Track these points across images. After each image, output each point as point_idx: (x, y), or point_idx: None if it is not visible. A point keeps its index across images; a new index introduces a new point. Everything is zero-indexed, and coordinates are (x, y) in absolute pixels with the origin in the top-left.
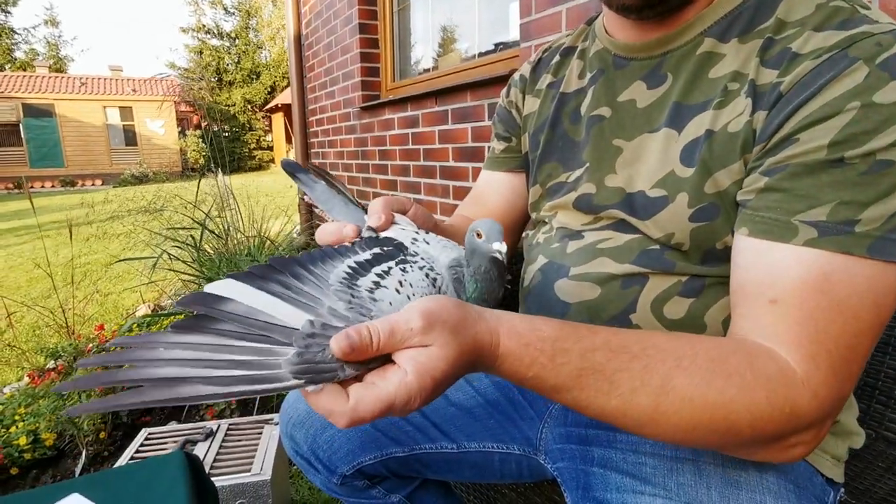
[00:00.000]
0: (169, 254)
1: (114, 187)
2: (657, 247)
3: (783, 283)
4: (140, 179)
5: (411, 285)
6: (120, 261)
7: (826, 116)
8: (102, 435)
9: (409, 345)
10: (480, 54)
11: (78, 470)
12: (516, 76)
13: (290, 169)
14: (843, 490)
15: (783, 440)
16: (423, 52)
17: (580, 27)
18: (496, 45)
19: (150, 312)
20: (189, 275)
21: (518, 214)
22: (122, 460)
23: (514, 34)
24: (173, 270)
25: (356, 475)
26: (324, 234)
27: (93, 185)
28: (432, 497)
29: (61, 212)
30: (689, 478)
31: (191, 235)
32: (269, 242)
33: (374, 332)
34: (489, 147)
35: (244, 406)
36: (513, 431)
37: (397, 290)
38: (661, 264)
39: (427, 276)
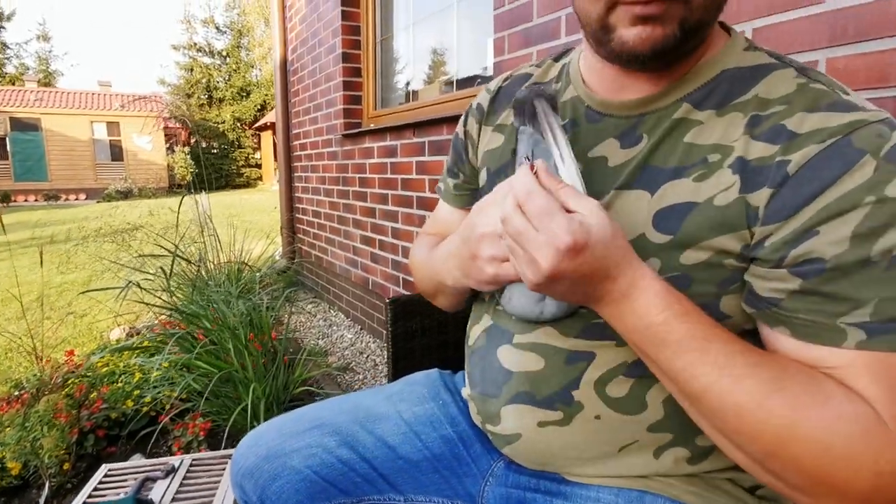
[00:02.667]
0: (138, 284)
1: (97, 202)
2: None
3: (842, 362)
4: (125, 195)
5: None
6: (85, 292)
7: (843, 210)
8: (66, 466)
9: (578, 208)
10: (458, 87)
11: (42, 501)
12: (474, 104)
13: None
14: None
15: (862, 497)
16: (404, 83)
17: (547, 61)
18: (473, 79)
19: (124, 336)
20: (159, 306)
21: None
22: (80, 498)
23: (491, 69)
24: (143, 302)
25: None
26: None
27: (76, 199)
28: None
29: (42, 227)
30: None
31: (160, 268)
32: (248, 268)
33: (565, 184)
34: (443, 177)
35: (212, 438)
36: (457, 487)
37: None
38: (607, 336)
39: None
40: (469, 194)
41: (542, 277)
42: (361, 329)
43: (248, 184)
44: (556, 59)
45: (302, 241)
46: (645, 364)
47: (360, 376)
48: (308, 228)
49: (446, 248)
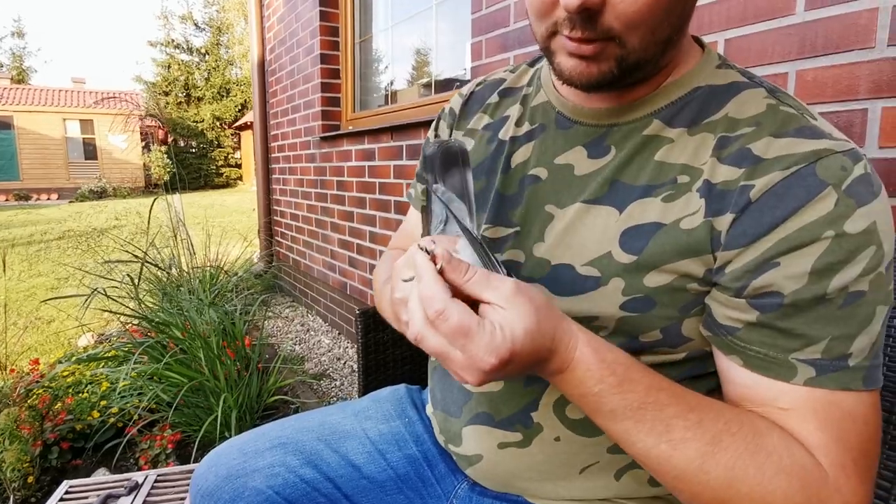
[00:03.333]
0: (104, 292)
1: (70, 202)
2: None
3: (790, 401)
4: (99, 195)
5: None
6: (48, 300)
7: (804, 243)
8: (30, 480)
9: (493, 299)
10: (437, 90)
11: None
12: (446, 108)
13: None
14: None
15: None
16: (382, 85)
17: (522, 67)
18: (452, 81)
19: (92, 344)
20: (126, 315)
21: None
22: None
23: (470, 73)
24: (108, 311)
25: None
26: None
27: (48, 199)
28: None
29: (6, 229)
30: None
31: (127, 275)
32: (223, 273)
33: (472, 268)
34: (413, 182)
35: (182, 450)
36: None
37: None
38: None
39: None
40: None
41: (474, 384)
42: (339, 334)
43: (227, 184)
44: (531, 65)
45: (280, 244)
46: None
47: (338, 383)
48: (286, 231)
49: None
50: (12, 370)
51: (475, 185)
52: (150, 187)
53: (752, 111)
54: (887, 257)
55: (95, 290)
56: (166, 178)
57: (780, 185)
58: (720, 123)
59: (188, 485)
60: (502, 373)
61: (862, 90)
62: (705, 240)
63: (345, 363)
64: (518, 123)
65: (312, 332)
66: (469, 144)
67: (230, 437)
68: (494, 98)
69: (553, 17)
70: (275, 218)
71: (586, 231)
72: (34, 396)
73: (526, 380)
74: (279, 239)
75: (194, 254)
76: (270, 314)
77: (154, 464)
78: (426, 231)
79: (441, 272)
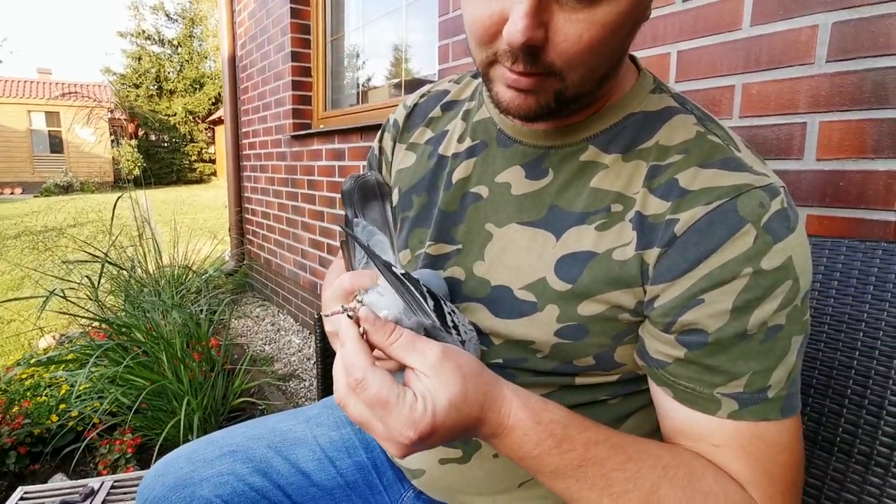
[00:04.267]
0: (63, 294)
1: (35, 197)
2: (500, 361)
3: (719, 437)
4: (65, 189)
5: (465, 325)
6: (4, 301)
7: (725, 280)
8: None
9: (417, 366)
10: (407, 90)
11: None
12: (391, 119)
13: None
14: None
15: None
16: (354, 84)
17: (466, 78)
18: (423, 82)
19: (54, 345)
20: (85, 317)
21: None
22: None
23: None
24: (67, 313)
25: None
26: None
27: (12, 193)
28: None
29: None
30: None
31: (86, 276)
32: (191, 272)
33: (398, 331)
34: None
35: (144, 454)
36: None
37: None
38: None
39: (465, 319)
40: None
41: (398, 457)
42: (310, 334)
43: (201, 179)
44: (475, 76)
45: (251, 243)
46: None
47: (307, 383)
48: (257, 230)
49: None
50: None
51: (416, 201)
52: (119, 182)
53: (682, 137)
54: (803, 290)
55: (52, 291)
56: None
57: (702, 220)
58: (652, 151)
59: None
60: (426, 444)
61: (802, 104)
62: (636, 272)
63: (314, 363)
64: (460, 140)
65: (283, 332)
66: (410, 159)
67: (192, 440)
68: (437, 112)
69: (494, 46)
70: (246, 216)
71: (522, 253)
72: None
73: None
74: (250, 237)
75: (160, 253)
76: (240, 314)
77: (113, 469)
78: (349, 266)
79: (364, 334)
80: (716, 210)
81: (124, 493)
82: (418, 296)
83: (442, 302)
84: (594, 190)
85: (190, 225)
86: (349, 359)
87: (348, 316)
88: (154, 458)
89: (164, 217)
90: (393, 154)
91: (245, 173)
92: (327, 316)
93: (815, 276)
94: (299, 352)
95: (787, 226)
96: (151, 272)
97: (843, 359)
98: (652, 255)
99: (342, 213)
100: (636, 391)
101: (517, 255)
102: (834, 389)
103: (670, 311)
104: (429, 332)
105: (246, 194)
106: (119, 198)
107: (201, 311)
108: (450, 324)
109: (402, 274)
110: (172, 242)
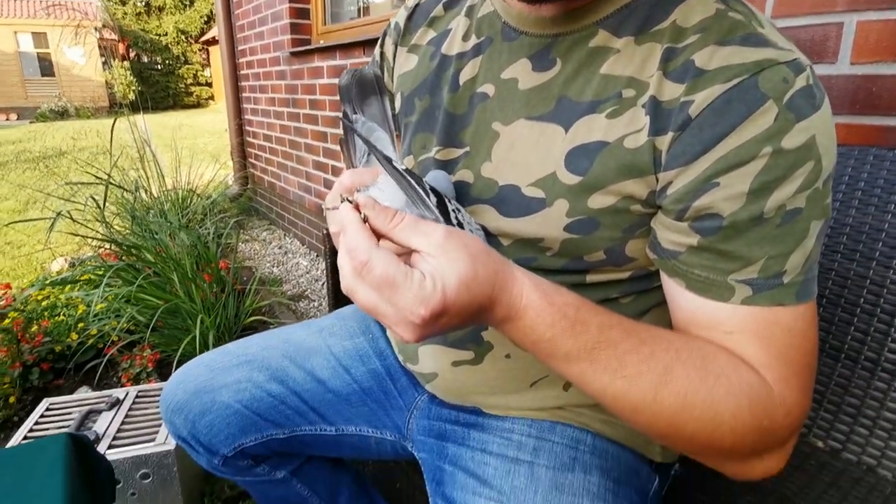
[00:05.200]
0: (69, 215)
1: (30, 122)
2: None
3: (733, 323)
4: (60, 114)
5: (471, 224)
6: (12, 223)
7: (742, 161)
8: (12, 399)
9: (423, 247)
10: None
11: None
12: (392, 23)
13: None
14: (677, 466)
15: (756, 454)
16: None
17: None
18: None
19: (66, 267)
20: (94, 238)
21: None
22: (20, 433)
23: None
24: (76, 234)
25: (238, 456)
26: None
27: (7, 119)
28: (318, 470)
29: None
30: (523, 481)
31: (91, 197)
32: (196, 196)
33: (399, 214)
34: None
35: (163, 369)
36: (384, 419)
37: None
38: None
39: (472, 219)
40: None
41: (411, 341)
42: (318, 256)
43: (198, 104)
44: None
45: (254, 167)
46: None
47: (316, 303)
48: (259, 153)
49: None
50: None
51: (419, 105)
52: (114, 107)
53: (700, 16)
54: (825, 171)
55: (59, 213)
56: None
57: (720, 99)
58: (667, 32)
59: None
60: (438, 325)
61: (839, 2)
62: (648, 160)
63: (323, 284)
64: (465, 38)
65: (290, 255)
66: (412, 61)
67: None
68: (439, 10)
69: None
70: (247, 139)
71: (530, 150)
72: (8, 320)
73: None
74: (253, 161)
75: (163, 176)
76: (247, 237)
77: (136, 381)
78: (349, 164)
79: (366, 220)
80: (735, 87)
81: (149, 402)
82: (420, 191)
83: (446, 200)
84: (604, 77)
85: (191, 148)
86: (352, 243)
87: (348, 201)
88: (173, 371)
89: (163, 140)
90: (395, 59)
91: (244, 94)
92: (328, 209)
93: (838, 187)
94: (307, 273)
95: (812, 103)
96: (156, 195)
97: (860, 269)
98: (665, 140)
99: None
100: (648, 288)
101: (524, 152)
102: (846, 299)
103: (683, 196)
104: None
105: (246, 116)
106: (116, 119)
107: (208, 233)
108: (454, 221)
109: (403, 169)
110: (174, 166)
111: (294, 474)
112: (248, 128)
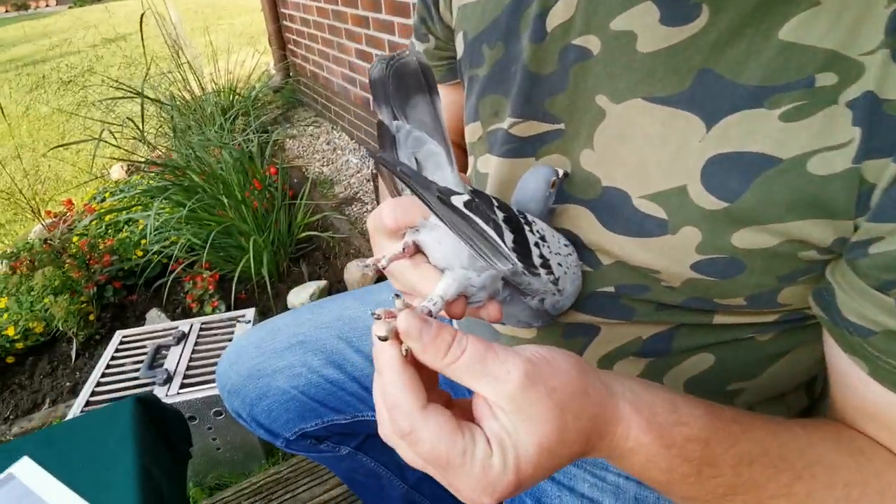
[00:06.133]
0: (113, 136)
1: (69, 7)
2: (612, 290)
3: None
4: None
5: (559, 253)
6: (55, 147)
7: None
8: (91, 317)
9: (491, 396)
10: None
11: (73, 354)
12: None
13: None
14: None
15: None
16: None
17: None
18: None
19: (125, 173)
20: (140, 162)
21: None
22: (99, 369)
23: None
24: (120, 160)
25: (300, 439)
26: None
27: (47, 6)
28: (384, 445)
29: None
30: None
31: (128, 118)
32: (237, 95)
33: (459, 342)
34: (410, 40)
35: (223, 289)
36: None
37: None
38: (616, 313)
39: (560, 241)
40: (445, 65)
41: (507, 495)
42: (367, 153)
43: None
44: None
45: (294, 54)
46: (666, 342)
47: (369, 206)
48: (299, 39)
49: None
50: (48, 212)
51: (488, 54)
52: None
53: None
54: None
55: (100, 138)
56: None
57: None
58: None
59: (229, 331)
60: (512, 495)
61: None
62: (848, 196)
63: (374, 186)
64: None
65: (340, 151)
66: None
67: (265, 276)
68: None
69: None
70: (284, 23)
71: (649, 147)
72: (72, 246)
73: (565, 330)
74: (292, 48)
75: (201, 75)
76: (294, 132)
77: (199, 303)
78: (391, 188)
79: (408, 354)
80: None
81: (213, 334)
82: (491, 232)
83: (524, 224)
84: (785, 46)
85: (228, 31)
86: (390, 398)
87: (380, 339)
88: (233, 291)
89: (196, 26)
90: None
91: None
92: (376, 266)
93: None
94: (358, 173)
95: None
96: (197, 97)
97: None
98: (884, 170)
99: (388, 18)
100: (797, 327)
101: (641, 148)
102: None
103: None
104: (508, 282)
105: None
106: (143, 15)
107: (251, 141)
108: (536, 260)
109: (465, 203)
110: (211, 58)
111: (359, 449)
112: (283, 10)
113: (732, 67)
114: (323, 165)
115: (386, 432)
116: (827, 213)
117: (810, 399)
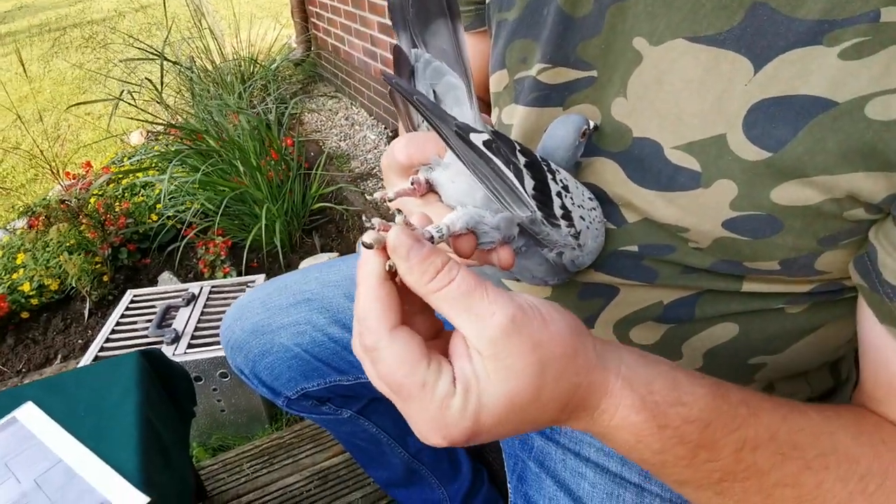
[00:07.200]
0: (132, 97)
1: None
2: (635, 249)
3: None
4: None
5: (582, 206)
6: (73, 105)
7: None
8: (105, 278)
9: (470, 336)
10: None
11: (86, 313)
12: None
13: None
14: None
15: None
16: None
17: None
18: None
19: (144, 139)
20: (157, 123)
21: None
22: (109, 325)
23: None
24: (137, 119)
25: (301, 398)
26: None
27: None
28: (386, 409)
29: (46, 12)
30: None
31: (146, 78)
32: (258, 66)
33: (449, 269)
34: None
35: (235, 256)
36: None
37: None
38: (638, 274)
39: (584, 193)
40: (473, 11)
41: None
42: (385, 128)
43: None
44: None
45: (316, 27)
46: (689, 307)
47: (384, 183)
48: (321, 12)
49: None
50: (67, 174)
51: None
52: None
53: None
54: None
55: (120, 97)
56: None
57: None
58: None
59: (238, 295)
60: (466, 443)
61: None
62: None
63: None
64: None
65: (357, 127)
66: None
67: (277, 245)
68: None
69: None
70: None
71: (688, 90)
72: (88, 206)
73: (581, 291)
74: (315, 21)
75: (222, 44)
76: (312, 107)
77: (211, 268)
78: (406, 122)
79: (391, 272)
80: None
81: (221, 298)
82: (510, 175)
83: (547, 172)
84: None
85: (252, 2)
86: (361, 310)
87: (365, 245)
88: (244, 258)
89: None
90: None
91: None
92: (386, 200)
93: None
94: (375, 148)
95: None
96: (217, 64)
97: None
98: None
99: None
100: (831, 300)
101: (678, 94)
102: None
103: None
104: (525, 229)
105: None
106: None
107: (270, 110)
108: (557, 209)
109: (485, 142)
110: (233, 29)
111: (361, 413)
112: None
113: (790, 0)
114: (340, 140)
115: (355, 344)
116: (882, 165)
117: (835, 381)
